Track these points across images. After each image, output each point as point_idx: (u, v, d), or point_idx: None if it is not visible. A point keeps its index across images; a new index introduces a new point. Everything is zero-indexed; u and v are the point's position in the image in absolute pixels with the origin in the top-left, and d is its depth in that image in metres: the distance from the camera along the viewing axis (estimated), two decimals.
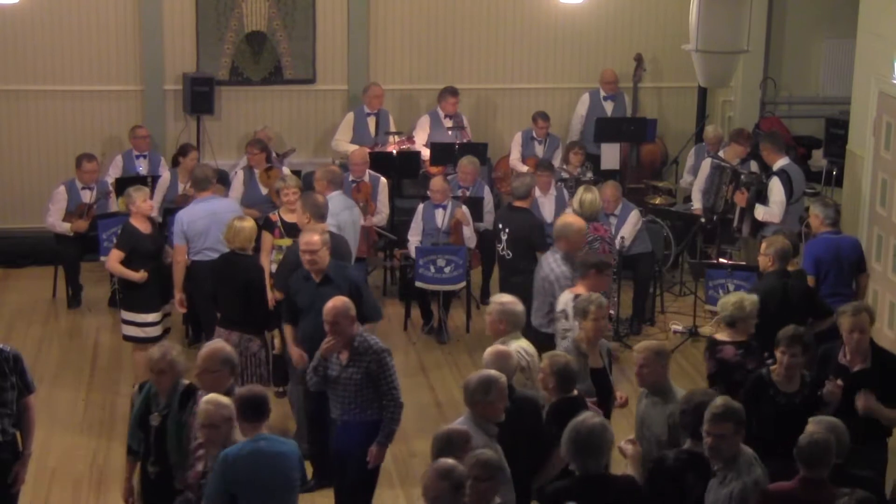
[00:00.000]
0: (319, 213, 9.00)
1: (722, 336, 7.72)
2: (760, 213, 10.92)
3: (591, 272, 8.16)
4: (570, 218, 9.09)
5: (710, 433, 6.08)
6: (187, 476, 6.58)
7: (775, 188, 10.83)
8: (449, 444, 5.99)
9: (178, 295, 9.62)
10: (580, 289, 8.09)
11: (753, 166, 11.75)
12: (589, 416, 6.24)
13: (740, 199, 11.06)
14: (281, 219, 9.85)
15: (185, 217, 9.66)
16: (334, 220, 9.42)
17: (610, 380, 7.61)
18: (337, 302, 7.37)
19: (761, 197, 10.91)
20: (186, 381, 6.90)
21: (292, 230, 9.55)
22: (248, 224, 8.94)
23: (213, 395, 6.41)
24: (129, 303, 9.62)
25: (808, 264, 9.22)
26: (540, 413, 6.85)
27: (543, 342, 8.07)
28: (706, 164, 12.30)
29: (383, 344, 7.45)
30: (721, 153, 12.02)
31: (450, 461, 5.63)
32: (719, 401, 6.17)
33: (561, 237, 8.84)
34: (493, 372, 6.59)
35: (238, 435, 6.31)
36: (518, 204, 9.88)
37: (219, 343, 7.07)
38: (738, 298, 7.75)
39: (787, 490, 6.07)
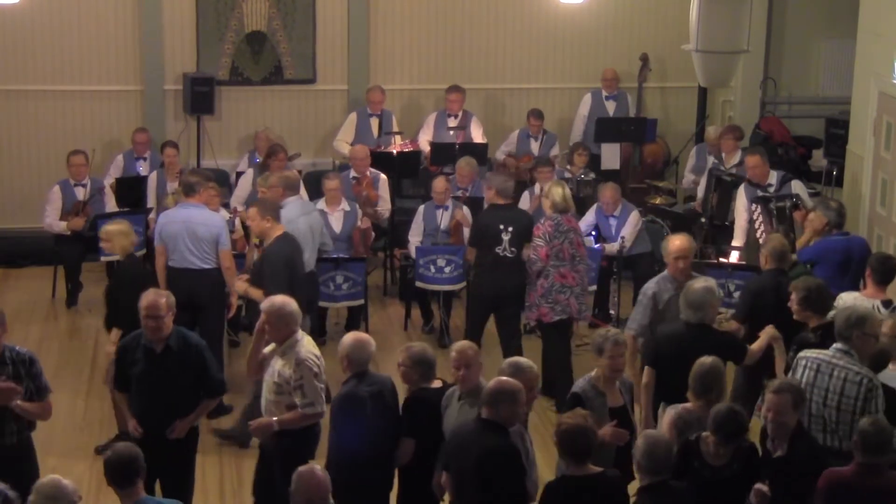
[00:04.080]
0: (279, 213, 9.01)
1: None
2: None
3: None
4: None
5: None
6: None
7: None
8: None
9: None
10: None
11: (795, 186, 10.88)
12: (699, 281, 7.62)
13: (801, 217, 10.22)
14: None
15: (162, 219, 9.54)
16: (289, 228, 9.20)
17: (631, 418, 7.11)
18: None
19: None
20: None
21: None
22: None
23: None
24: None
25: (823, 268, 8.98)
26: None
27: None
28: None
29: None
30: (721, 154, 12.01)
31: None
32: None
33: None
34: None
35: None
36: (507, 202, 9.86)
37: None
38: None
39: (845, 475, 6.06)
